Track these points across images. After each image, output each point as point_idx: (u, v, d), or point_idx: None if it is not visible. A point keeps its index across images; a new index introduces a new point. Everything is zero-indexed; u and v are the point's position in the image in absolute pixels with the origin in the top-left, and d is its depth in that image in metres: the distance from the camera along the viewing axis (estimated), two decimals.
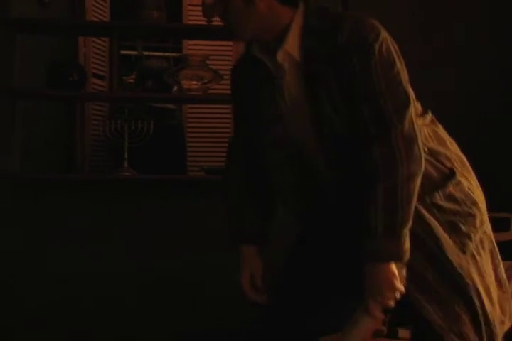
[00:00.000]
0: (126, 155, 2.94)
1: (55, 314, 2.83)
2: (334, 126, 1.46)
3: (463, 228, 1.52)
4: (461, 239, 1.53)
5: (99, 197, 2.89)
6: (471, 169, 1.63)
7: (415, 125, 1.45)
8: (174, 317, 2.87)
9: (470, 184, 1.58)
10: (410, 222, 1.43)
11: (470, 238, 1.53)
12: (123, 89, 4.05)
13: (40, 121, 3.32)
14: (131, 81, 4.25)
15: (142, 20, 2.95)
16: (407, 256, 1.43)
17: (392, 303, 1.44)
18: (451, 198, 1.53)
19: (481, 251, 1.56)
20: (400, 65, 1.47)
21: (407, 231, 1.42)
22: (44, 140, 3.38)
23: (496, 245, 1.62)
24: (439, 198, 1.51)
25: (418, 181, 1.44)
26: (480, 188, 1.63)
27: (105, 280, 2.86)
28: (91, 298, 2.84)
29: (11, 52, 2.81)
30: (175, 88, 3.44)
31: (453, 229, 1.52)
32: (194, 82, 2.94)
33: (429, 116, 1.61)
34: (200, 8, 3.10)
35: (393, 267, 1.42)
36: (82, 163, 3.59)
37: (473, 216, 1.55)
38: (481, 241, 1.57)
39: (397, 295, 1.44)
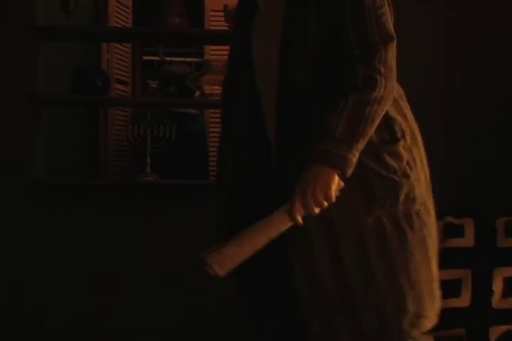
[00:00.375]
0: (148, 160, 2.96)
1: (81, 325, 2.86)
2: (304, 56, 1.46)
3: (377, 191, 1.48)
4: (370, 200, 1.48)
5: (122, 202, 2.91)
6: (423, 154, 1.62)
7: (395, 62, 1.48)
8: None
9: (413, 162, 1.56)
10: (365, 142, 1.43)
11: (383, 203, 1.49)
12: (148, 93, 4.08)
13: (64, 127, 3.36)
14: (154, 86, 4.28)
15: (164, 26, 2.97)
16: (350, 172, 1.41)
17: (316, 211, 1.40)
18: (381, 162, 1.50)
19: (396, 224, 1.50)
20: (388, 10, 1.51)
21: (359, 149, 1.42)
22: (68, 145, 3.41)
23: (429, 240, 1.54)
24: (363, 155, 1.47)
25: (385, 108, 1.45)
26: (427, 176, 1.62)
27: (127, 284, 2.87)
28: (113, 301, 2.86)
29: (35, 59, 2.85)
30: (197, 93, 3.46)
31: (363, 185, 1.48)
32: (216, 87, 2.96)
33: (400, 89, 1.60)
34: (221, 14, 3.13)
35: (335, 174, 1.40)
36: (106, 167, 3.62)
37: (397, 185, 1.51)
38: (404, 215, 1.51)
39: (325, 203, 1.40)
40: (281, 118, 1.50)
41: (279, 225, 1.40)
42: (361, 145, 1.42)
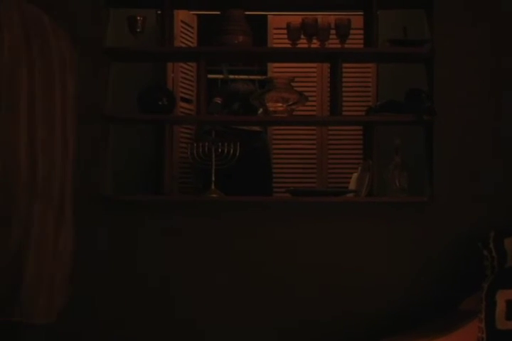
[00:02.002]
0: (213, 178, 2.99)
1: None
2: None
3: None
4: None
5: (187, 218, 2.94)
6: None
7: None
8: None
9: None
10: None
11: None
12: (212, 108, 4.15)
13: (130, 145, 3.43)
14: (219, 102, 4.34)
15: (228, 45, 3.01)
16: None
17: None
18: None
19: None
20: None
21: None
22: (134, 163, 3.48)
23: None
24: None
25: None
26: None
27: (199, 302, 2.90)
28: (204, 317, 2.89)
29: (105, 79, 2.93)
30: (260, 110, 3.48)
31: None
32: (279, 104, 2.97)
33: None
34: (285, 31, 3.16)
35: None
36: (171, 184, 3.67)
37: None
38: None
39: None
40: None
41: None
42: None
